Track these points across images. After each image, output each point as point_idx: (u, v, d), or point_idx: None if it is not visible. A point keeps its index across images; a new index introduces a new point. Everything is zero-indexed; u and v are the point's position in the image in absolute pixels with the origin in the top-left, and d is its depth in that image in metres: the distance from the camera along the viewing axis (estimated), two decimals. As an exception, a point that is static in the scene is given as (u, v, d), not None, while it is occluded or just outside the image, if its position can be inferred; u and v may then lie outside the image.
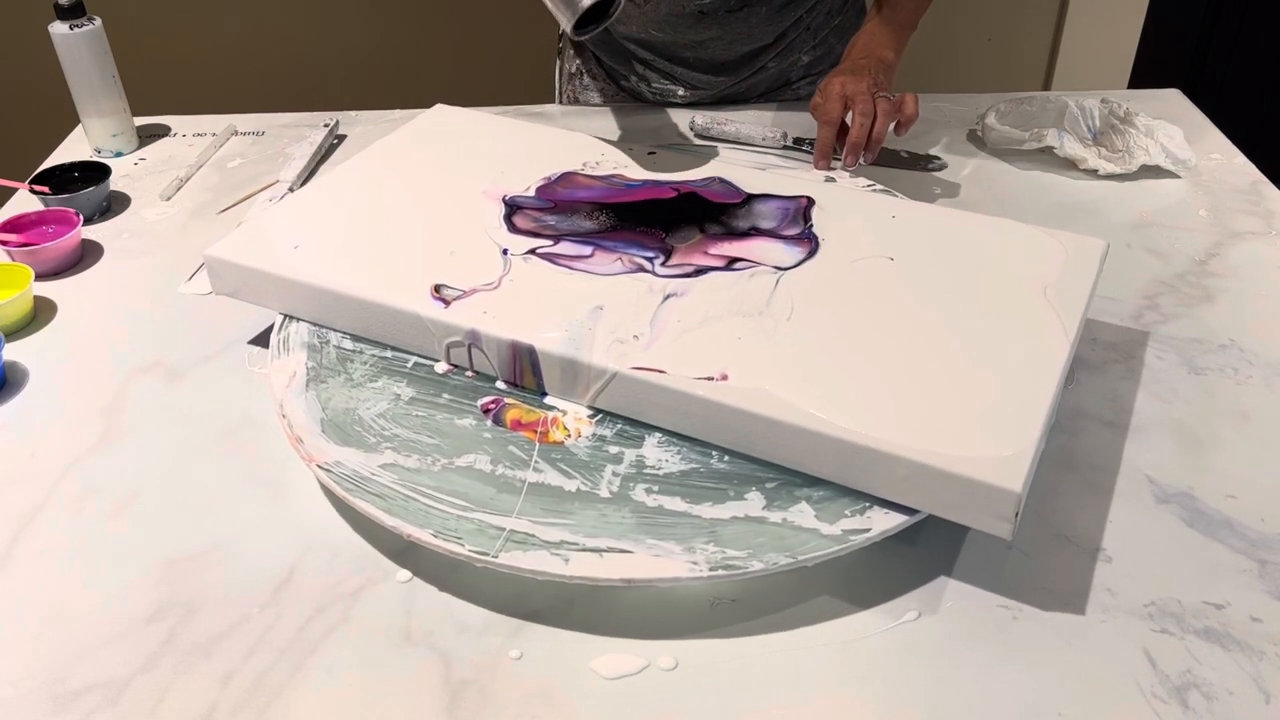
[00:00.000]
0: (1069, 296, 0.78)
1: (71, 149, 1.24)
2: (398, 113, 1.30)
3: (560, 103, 1.38)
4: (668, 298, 0.79)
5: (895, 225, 0.88)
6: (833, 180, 0.99)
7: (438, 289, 0.79)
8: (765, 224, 0.88)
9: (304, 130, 1.25)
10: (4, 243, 1.01)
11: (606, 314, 0.77)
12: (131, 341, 0.92)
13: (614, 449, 0.72)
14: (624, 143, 1.02)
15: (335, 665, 0.64)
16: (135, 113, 1.24)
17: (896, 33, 1.10)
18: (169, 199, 1.14)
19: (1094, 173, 1.11)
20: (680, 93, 1.27)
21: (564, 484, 0.70)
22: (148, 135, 1.27)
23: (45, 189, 1.10)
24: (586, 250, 0.84)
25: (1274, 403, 0.82)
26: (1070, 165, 1.13)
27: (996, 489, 0.62)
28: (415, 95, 1.38)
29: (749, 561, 0.64)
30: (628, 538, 0.66)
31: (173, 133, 1.28)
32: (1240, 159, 1.15)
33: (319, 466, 0.71)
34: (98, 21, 1.16)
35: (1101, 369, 0.86)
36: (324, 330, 0.83)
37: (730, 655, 0.64)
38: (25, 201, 1.12)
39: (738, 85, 1.26)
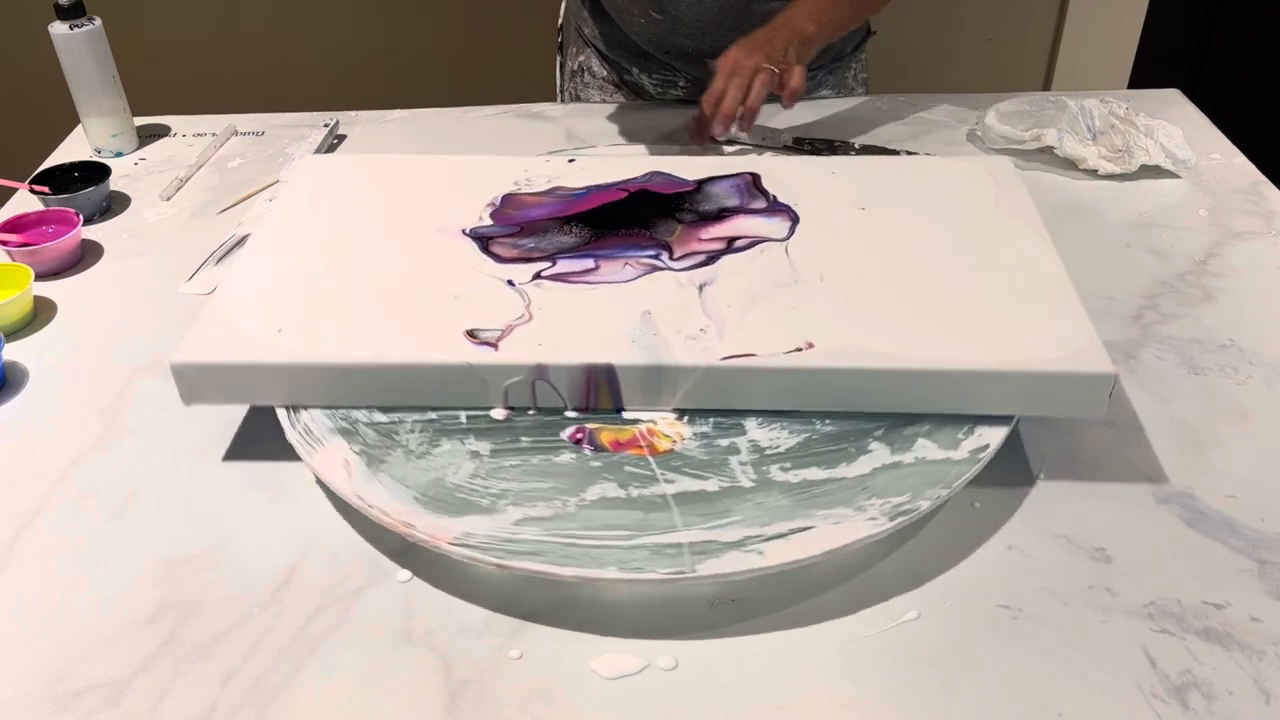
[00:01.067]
0: (1016, 204, 0.89)
1: (71, 149, 1.24)
2: (397, 112, 1.30)
3: (561, 100, 1.38)
4: (703, 287, 0.80)
5: (841, 179, 0.93)
6: (721, 152, 1.02)
7: (472, 334, 0.76)
8: (730, 203, 0.90)
9: (304, 130, 1.25)
10: (4, 243, 1.01)
11: (658, 316, 0.77)
12: (131, 341, 0.92)
13: (724, 441, 0.73)
14: (538, 155, 1.01)
15: (335, 665, 0.64)
16: (135, 113, 1.24)
17: (826, 8, 1.07)
18: (169, 199, 1.14)
19: (1094, 173, 1.11)
20: (681, 84, 1.27)
21: (703, 486, 0.69)
22: (148, 135, 1.27)
23: (45, 189, 1.10)
24: (589, 263, 0.84)
25: (1274, 403, 0.82)
26: (1070, 165, 1.13)
27: (1095, 375, 0.71)
28: (415, 95, 1.38)
29: (915, 502, 0.66)
30: (798, 515, 0.66)
31: (173, 133, 1.28)
32: (1240, 159, 1.15)
33: (451, 544, 0.66)
34: (98, 21, 1.16)
35: (1101, 369, 0.86)
36: (344, 411, 0.76)
37: (730, 655, 0.64)
38: (25, 201, 1.12)
39: None
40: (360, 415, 0.75)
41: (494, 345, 0.75)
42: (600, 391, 0.74)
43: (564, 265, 0.83)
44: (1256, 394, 0.83)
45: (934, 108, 1.26)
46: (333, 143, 1.24)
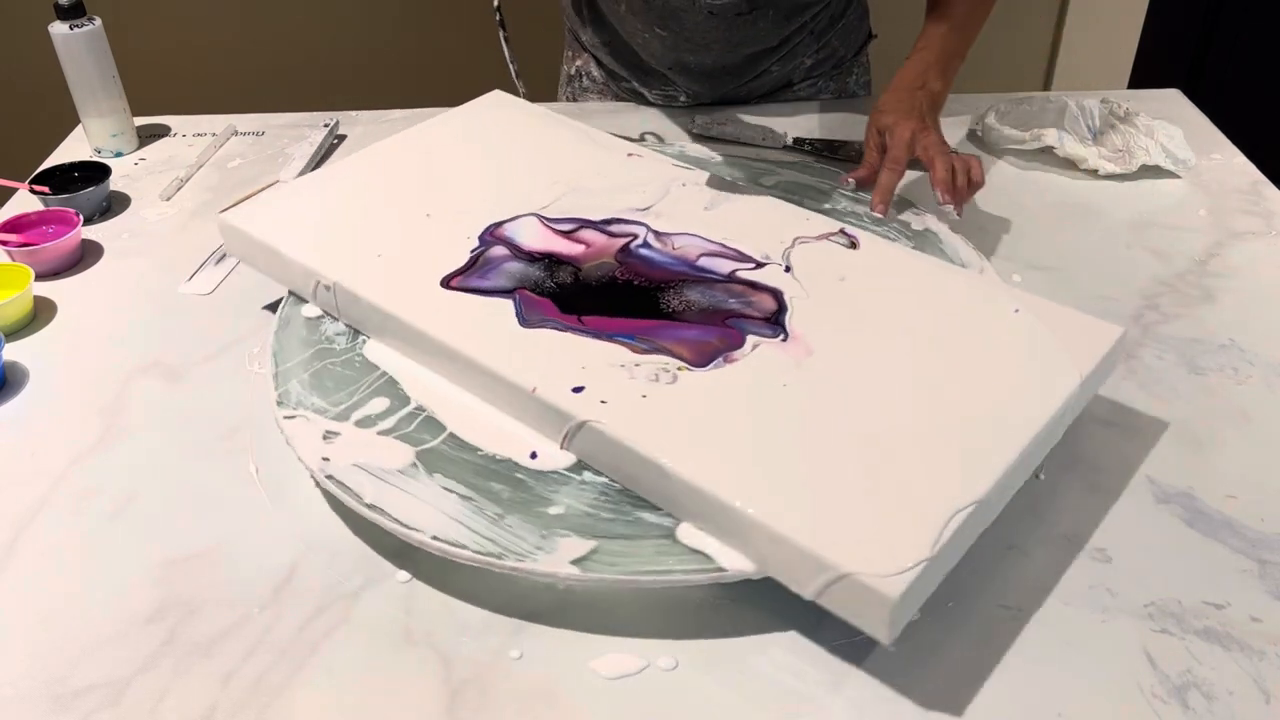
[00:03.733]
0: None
1: (71, 149, 1.24)
2: (397, 112, 1.30)
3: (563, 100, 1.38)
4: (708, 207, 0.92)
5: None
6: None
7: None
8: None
9: (304, 130, 1.25)
10: (4, 243, 1.01)
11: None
12: (131, 341, 0.92)
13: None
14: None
15: (335, 665, 0.64)
16: (135, 113, 1.24)
17: (948, 64, 1.05)
18: (169, 199, 1.14)
19: (1094, 173, 1.11)
20: (681, 99, 1.27)
21: None
22: (148, 135, 1.27)
23: (45, 189, 1.10)
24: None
25: (1274, 403, 0.82)
26: (1070, 165, 1.13)
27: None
28: (415, 95, 1.38)
29: None
30: None
31: (173, 133, 1.28)
32: (1240, 159, 1.15)
33: None
34: (98, 21, 1.16)
35: (1101, 369, 0.86)
36: None
37: (730, 655, 0.64)
38: (25, 201, 1.12)
39: (739, 89, 1.26)
40: None
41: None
42: None
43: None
44: (1256, 394, 0.83)
45: (934, 108, 1.26)
46: (333, 143, 1.24)
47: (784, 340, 0.77)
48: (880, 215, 0.97)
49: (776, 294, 0.82)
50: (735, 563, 0.64)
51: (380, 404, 0.77)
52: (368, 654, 0.65)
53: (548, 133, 1.04)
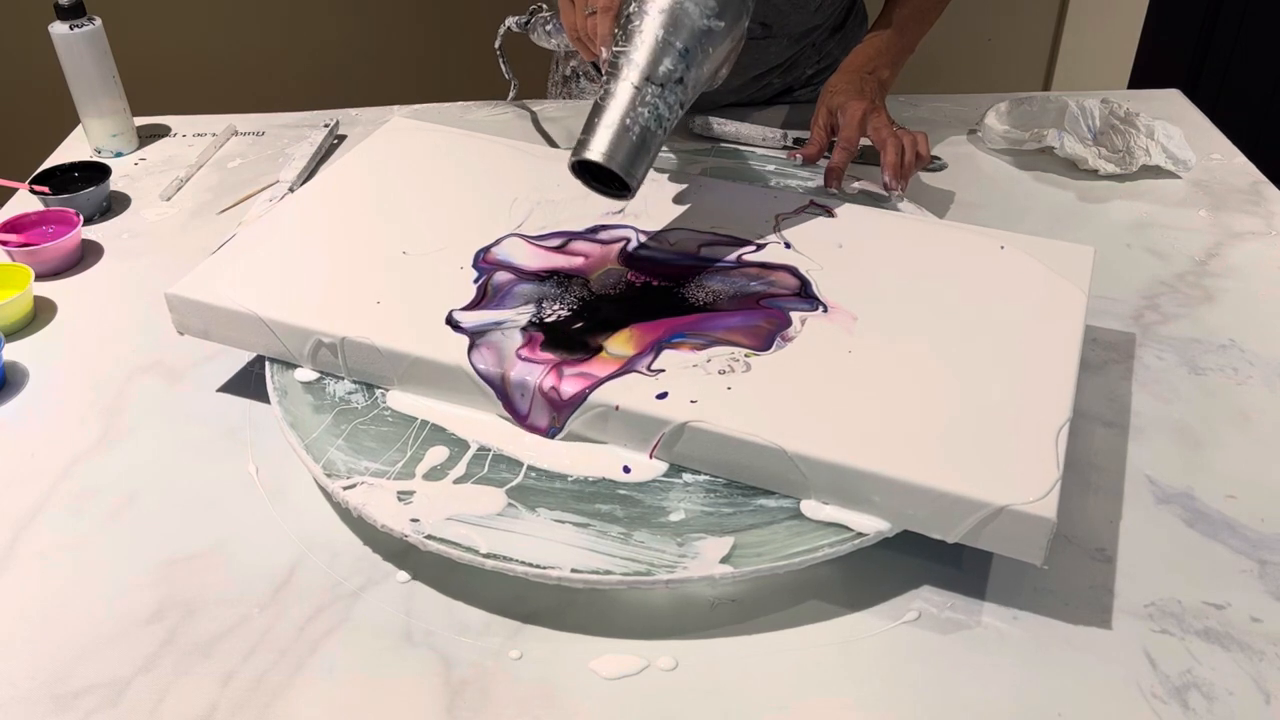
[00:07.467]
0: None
1: (71, 149, 1.24)
2: (397, 110, 1.30)
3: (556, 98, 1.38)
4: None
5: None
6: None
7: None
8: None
9: (304, 130, 1.25)
10: (4, 243, 1.01)
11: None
12: (131, 341, 0.92)
13: None
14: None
15: (335, 665, 0.64)
16: (135, 113, 1.24)
17: (899, 56, 1.09)
18: (169, 199, 1.14)
19: (1094, 173, 1.11)
20: None
21: None
22: (148, 135, 1.27)
23: (45, 189, 1.10)
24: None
25: (1274, 403, 0.82)
26: (1070, 165, 1.13)
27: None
28: (415, 95, 1.38)
29: None
30: None
31: (173, 133, 1.28)
32: (1240, 159, 1.15)
33: None
34: (98, 21, 1.16)
35: (1101, 369, 0.86)
36: None
37: (730, 655, 0.64)
38: (25, 201, 1.12)
39: (741, 99, 1.26)
40: None
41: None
42: None
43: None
44: (1256, 394, 0.83)
45: (934, 108, 1.26)
46: (333, 143, 1.24)
47: (825, 312, 0.79)
48: (834, 191, 1.01)
49: (793, 270, 0.83)
50: (871, 525, 0.66)
51: (440, 453, 0.72)
52: (368, 654, 0.65)
53: (475, 151, 1.01)
